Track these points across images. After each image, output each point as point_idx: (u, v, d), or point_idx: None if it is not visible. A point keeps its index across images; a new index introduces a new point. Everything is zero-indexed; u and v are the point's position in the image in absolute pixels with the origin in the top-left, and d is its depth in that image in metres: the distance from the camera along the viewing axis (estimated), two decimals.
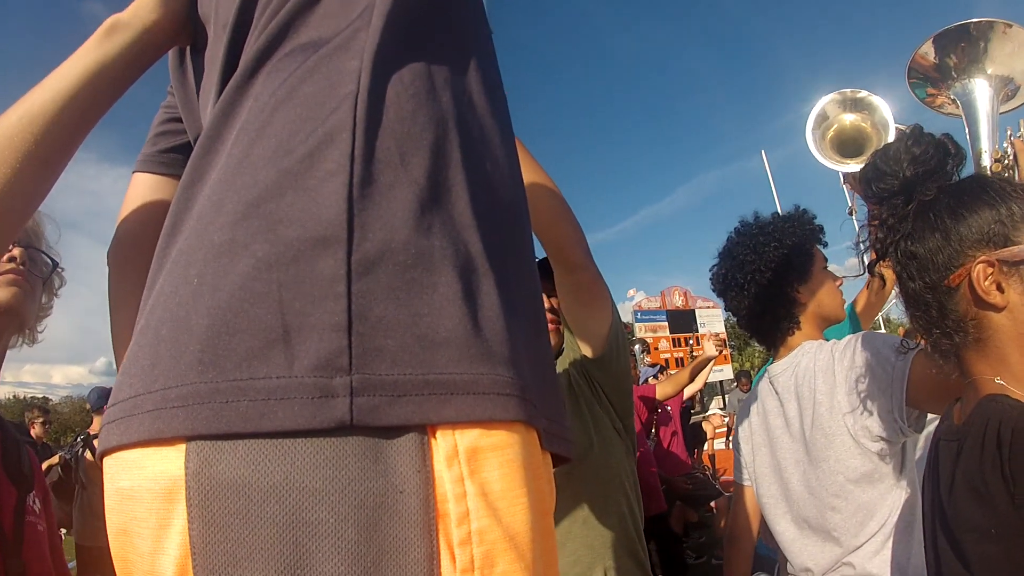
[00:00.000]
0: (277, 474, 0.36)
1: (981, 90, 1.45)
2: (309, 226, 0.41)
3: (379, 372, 0.39)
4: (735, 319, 1.74)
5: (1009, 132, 1.33)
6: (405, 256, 0.42)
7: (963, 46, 1.44)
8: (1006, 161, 1.19)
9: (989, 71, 1.45)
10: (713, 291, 1.75)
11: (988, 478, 0.79)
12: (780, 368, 1.57)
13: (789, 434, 1.52)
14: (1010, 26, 1.40)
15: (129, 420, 0.39)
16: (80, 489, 3.79)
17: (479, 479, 0.40)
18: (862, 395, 1.32)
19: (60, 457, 4.00)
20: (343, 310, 0.39)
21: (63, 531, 3.98)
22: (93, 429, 4.22)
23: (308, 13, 0.51)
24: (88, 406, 4.66)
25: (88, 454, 3.84)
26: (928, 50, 1.50)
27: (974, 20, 1.42)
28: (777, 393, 1.57)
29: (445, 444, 0.39)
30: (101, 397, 4.47)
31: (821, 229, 1.63)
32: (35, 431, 4.80)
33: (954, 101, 1.48)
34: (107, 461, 0.42)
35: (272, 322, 0.38)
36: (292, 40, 0.51)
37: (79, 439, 3.89)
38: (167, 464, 0.38)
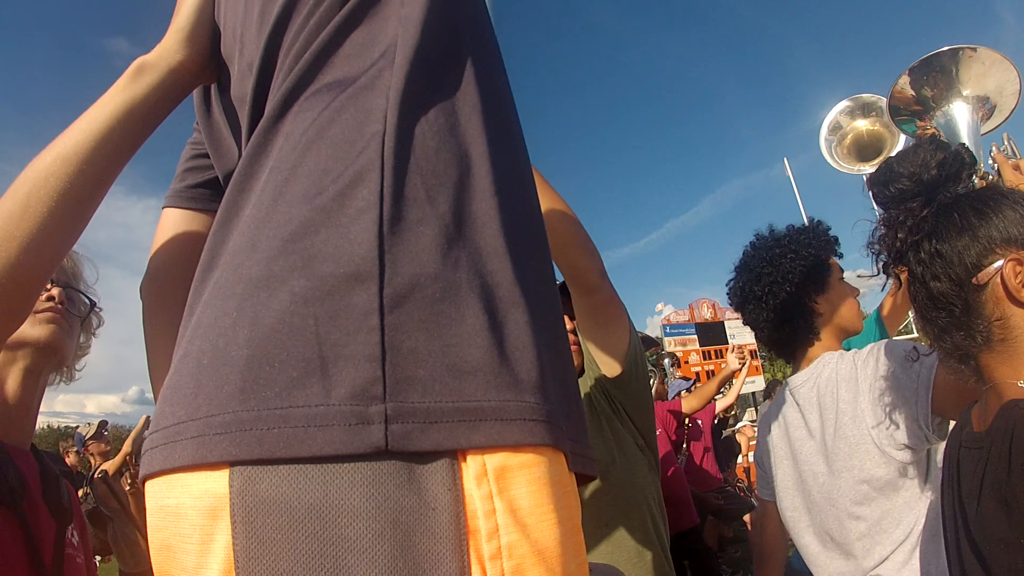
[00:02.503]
0: (317, 493, 0.38)
1: (960, 112, 1.50)
2: (342, 262, 0.42)
3: (412, 400, 0.40)
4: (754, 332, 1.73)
5: (994, 147, 1.35)
6: (433, 290, 0.43)
7: (935, 75, 1.50)
8: (990, 177, 1.19)
9: (965, 93, 1.49)
10: (731, 305, 1.74)
11: (1016, 488, 0.78)
12: (801, 379, 1.55)
13: (811, 445, 1.50)
14: (975, 49, 1.45)
15: (173, 446, 0.41)
16: (109, 521, 3.85)
17: (508, 496, 0.41)
18: (886, 403, 1.30)
19: (82, 492, 4.07)
20: (377, 342, 0.41)
21: (98, 558, 4.06)
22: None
23: (332, 54, 0.53)
24: (77, 447, 4.84)
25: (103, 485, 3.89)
26: (904, 84, 1.54)
27: (942, 49, 1.48)
28: (798, 404, 1.55)
29: (474, 465, 0.41)
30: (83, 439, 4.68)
31: (836, 240, 1.62)
32: (69, 460, 4.87)
33: (938, 131, 1.51)
34: (150, 483, 0.44)
35: (310, 353, 0.40)
36: (319, 80, 0.52)
37: (88, 478, 3.97)
38: (211, 483, 0.39)
